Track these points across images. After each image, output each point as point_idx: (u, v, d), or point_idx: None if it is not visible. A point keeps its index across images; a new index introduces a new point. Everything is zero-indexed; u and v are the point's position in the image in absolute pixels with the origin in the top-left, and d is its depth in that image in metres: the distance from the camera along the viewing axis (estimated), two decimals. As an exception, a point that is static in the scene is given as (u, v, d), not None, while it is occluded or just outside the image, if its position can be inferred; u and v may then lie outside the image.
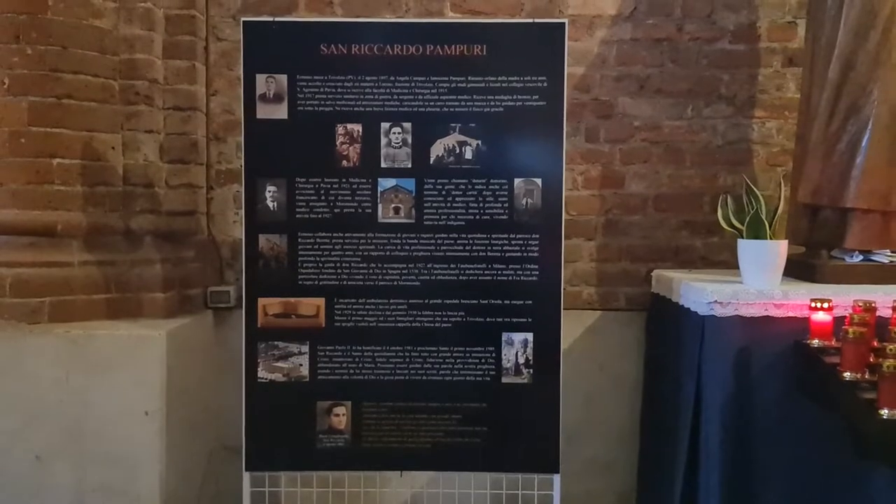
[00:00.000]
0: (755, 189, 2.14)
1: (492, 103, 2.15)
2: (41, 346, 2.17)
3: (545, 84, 2.14)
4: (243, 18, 2.15)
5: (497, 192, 2.16)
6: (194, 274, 2.62)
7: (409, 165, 2.17)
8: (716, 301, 2.00)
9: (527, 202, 2.17)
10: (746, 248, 2.09)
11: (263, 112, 2.15)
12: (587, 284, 2.70)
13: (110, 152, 2.38)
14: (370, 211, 2.17)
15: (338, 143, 2.17)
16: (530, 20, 2.15)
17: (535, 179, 2.17)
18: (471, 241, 2.18)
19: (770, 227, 2.06)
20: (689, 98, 2.63)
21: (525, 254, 2.17)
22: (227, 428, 2.60)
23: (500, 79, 2.14)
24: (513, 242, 2.17)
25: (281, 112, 2.15)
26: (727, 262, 2.62)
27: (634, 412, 2.65)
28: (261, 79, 2.15)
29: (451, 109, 2.15)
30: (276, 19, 2.13)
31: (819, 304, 1.87)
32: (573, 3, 2.61)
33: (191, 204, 2.59)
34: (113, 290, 2.37)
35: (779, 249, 2.06)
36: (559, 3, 2.61)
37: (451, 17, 2.54)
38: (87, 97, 2.31)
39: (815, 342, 1.86)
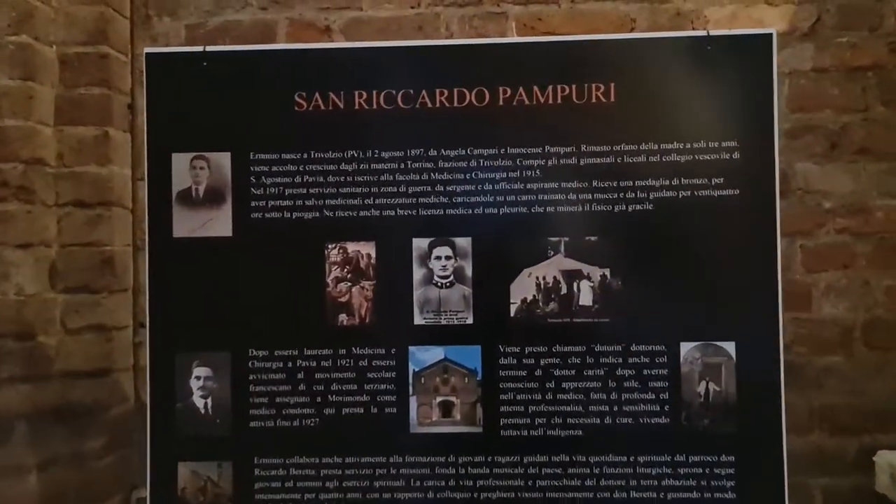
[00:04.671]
0: None
1: (629, 197, 1.11)
2: None
3: (736, 155, 1.09)
4: (147, 49, 1.13)
5: (646, 372, 1.10)
6: (105, 475, 1.62)
7: (470, 320, 1.12)
8: None
9: (708, 390, 1.11)
10: None
11: (185, 225, 1.13)
12: (760, 474, 1.66)
13: (-46, 285, 1.46)
14: (394, 410, 1.12)
15: (329, 278, 1.13)
16: (702, 32, 1.11)
17: (722, 345, 1.10)
18: (598, 469, 1.11)
19: None
20: (917, 160, 1.71)
21: (708, 493, 1.10)
22: None
23: (643, 149, 1.10)
24: (682, 471, 1.11)
25: (220, 224, 1.13)
26: None
27: None
28: (182, 162, 1.13)
29: (549, 210, 1.11)
30: (210, 49, 1.11)
31: None
32: (714, 17, 1.82)
33: (102, 358, 1.65)
34: (-57, 535, 1.37)
35: None
36: (691, 16, 1.77)
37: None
38: None
39: None
